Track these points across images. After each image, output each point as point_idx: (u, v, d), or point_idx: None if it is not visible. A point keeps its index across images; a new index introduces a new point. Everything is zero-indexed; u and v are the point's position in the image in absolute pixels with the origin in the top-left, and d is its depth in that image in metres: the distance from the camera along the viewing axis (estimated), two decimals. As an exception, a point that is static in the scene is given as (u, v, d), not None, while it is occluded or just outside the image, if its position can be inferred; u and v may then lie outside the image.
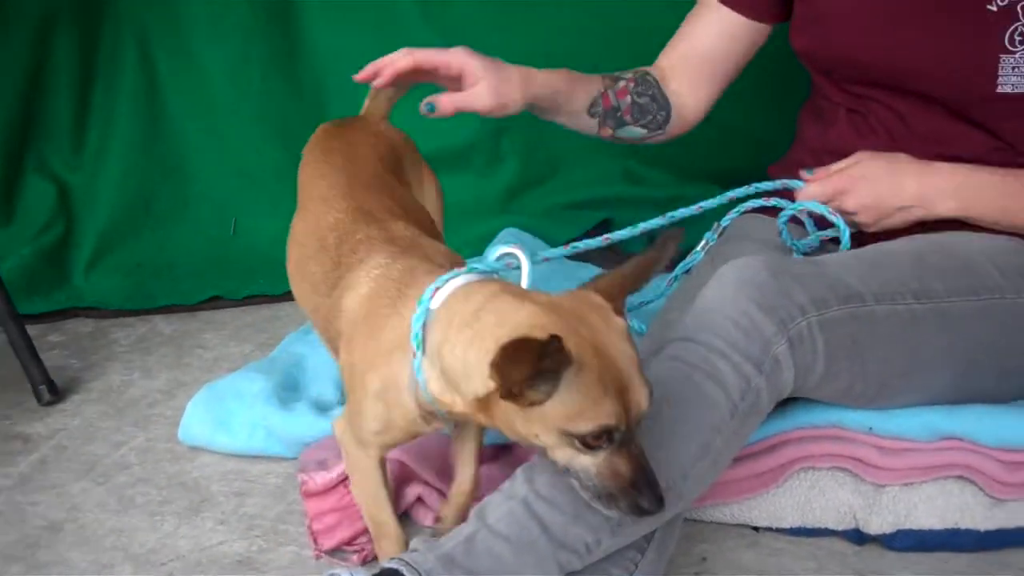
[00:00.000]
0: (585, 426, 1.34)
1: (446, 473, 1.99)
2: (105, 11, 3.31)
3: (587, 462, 1.38)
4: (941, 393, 1.88)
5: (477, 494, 1.79)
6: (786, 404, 1.87)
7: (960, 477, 1.88)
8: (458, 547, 1.50)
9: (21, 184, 3.26)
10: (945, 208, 1.91)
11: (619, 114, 2.14)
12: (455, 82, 1.96)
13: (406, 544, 1.70)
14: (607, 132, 2.15)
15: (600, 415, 1.34)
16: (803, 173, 1.99)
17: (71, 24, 3.30)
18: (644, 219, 3.14)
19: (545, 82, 2.02)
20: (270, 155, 3.28)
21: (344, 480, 1.97)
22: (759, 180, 2.10)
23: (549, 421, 1.35)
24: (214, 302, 3.03)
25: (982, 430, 1.86)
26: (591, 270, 2.99)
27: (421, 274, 1.55)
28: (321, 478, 1.96)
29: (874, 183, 1.90)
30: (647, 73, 2.18)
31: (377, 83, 1.99)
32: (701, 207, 2.03)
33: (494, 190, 3.31)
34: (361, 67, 3.25)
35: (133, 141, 3.27)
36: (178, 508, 2.06)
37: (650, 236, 2.06)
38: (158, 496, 2.10)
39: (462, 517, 1.73)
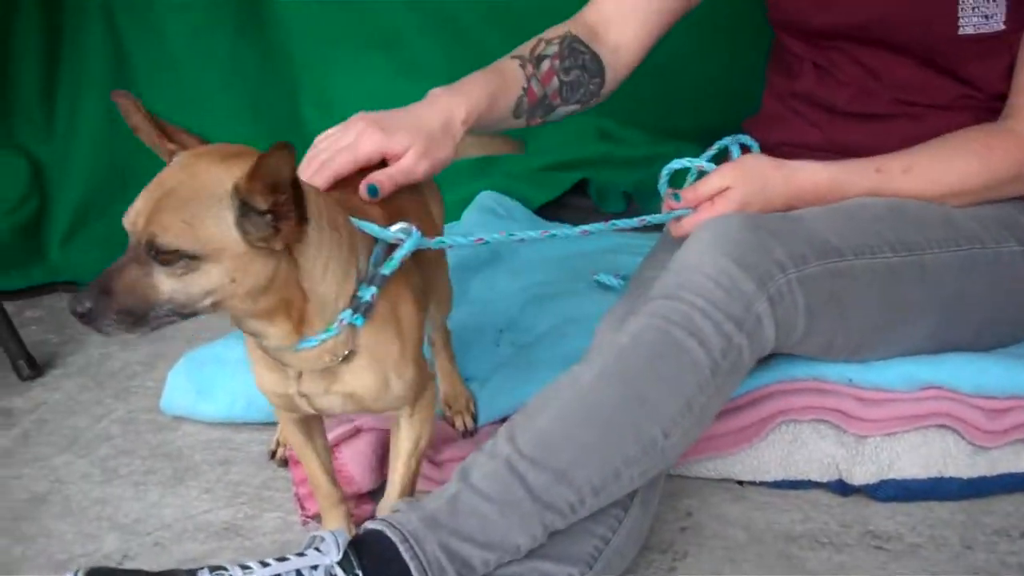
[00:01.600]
0: None
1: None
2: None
3: None
4: (921, 345, 1.89)
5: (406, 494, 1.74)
6: (767, 358, 1.88)
7: (942, 426, 1.89)
8: (442, 508, 1.50)
9: (-7, 159, 3.22)
10: (806, 209, 1.85)
11: (547, 101, 1.95)
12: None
13: (339, 501, 1.78)
14: (536, 122, 1.97)
15: None
16: (670, 200, 1.84)
17: (35, -3, 3.26)
18: (621, 178, 3.19)
19: (468, 115, 1.80)
20: (240, 123, 3.25)
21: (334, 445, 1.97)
22: (735, 133, 2.10)
23: None
24: (193, 272, 3.00)
25: (962, 378, 1.87)
26: (566, 227, 2.99)
27: None
28: None
29: (747, 210, 1.80)
30: (574, 39, 1.98)
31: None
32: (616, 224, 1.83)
33: (469, 154, 3.29)
34: (324, 30, 3.26)
35: (103, 112, 3.23)
36: (162, 478, 2.06)
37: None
38: (142, 466, 2.10)
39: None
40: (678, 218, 1.84)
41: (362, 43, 3.28)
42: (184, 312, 1.35)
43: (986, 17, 1.86)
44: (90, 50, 3.25)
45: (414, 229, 1.56)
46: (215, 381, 2.22)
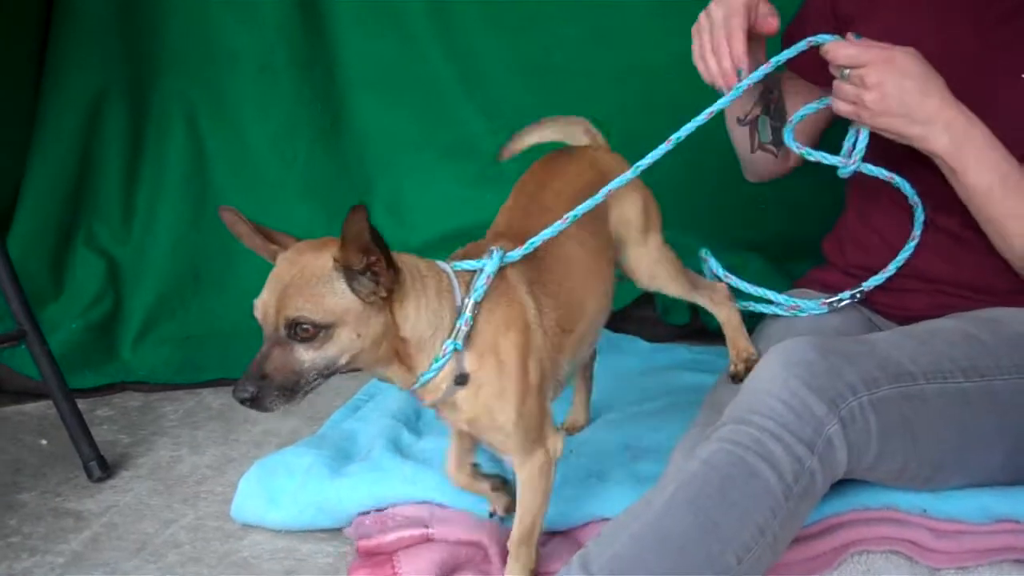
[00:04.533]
0: None
1: (500, 556, 1.99)
2: (153, 88, 3.41)
3: None
4: (995, 475, 1.87)
5: (528, 547, 1.89)
6: (840, 485, 1.86)
7: (1017, 561, 1.86)
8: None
9: (71, 258, 3.33)
10: (938, 142, 1.85)
11: (770, 96, 2.07)
12: None
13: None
14: (753, 112, 2.07)
15: None
16: (850, 36, 1.89)
17: (120, 100, 3.39)
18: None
19: None
20: (315, 228, 3.31)
21: (393, 556, 1.98)
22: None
23: None
24: (261, 375, 3.05)
25: (1037, 512, 1.84)
26: (635, 343, 3.02)
27: None
28: (377, 540, 2.01)
29: (907, 79, 1.82)
30: None
31: None
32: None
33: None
34: (401, 140, 3.36)
35: (181, 215, 3.34)
36: (229, 588, 2.07)
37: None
38: (210, 576, 2.11)
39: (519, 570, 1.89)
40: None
41: (435, 151, 3.37)
42: (326, 374, 1.62)
43: None
44: (171, 154, 3.37)
45: (496, 251, 1.77)
46: (284, 489, 2.23)
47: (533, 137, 2.27)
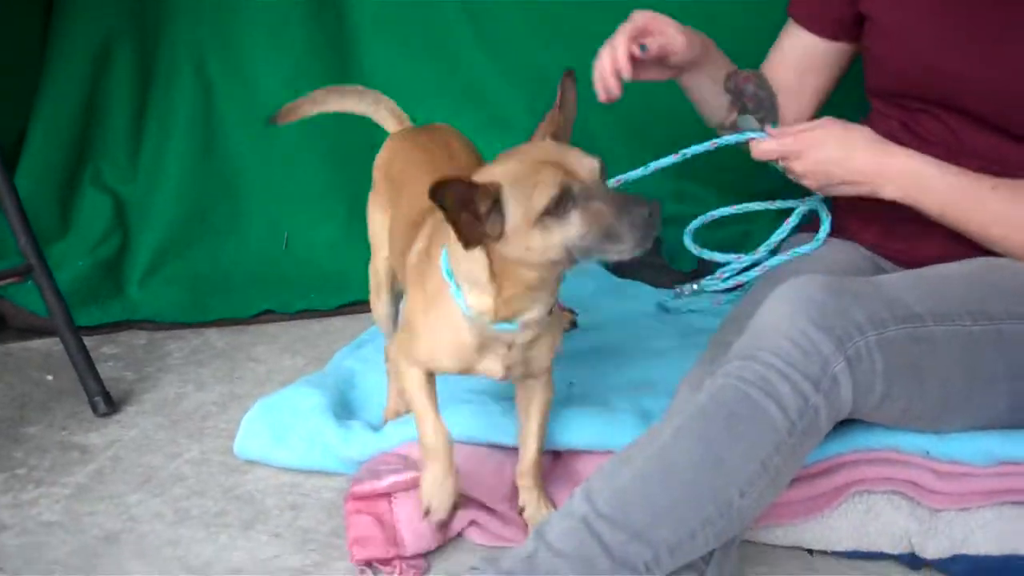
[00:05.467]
0: (541, 201, 1.54)
1: (499, 491, 2.00)
2: (161, 29, 3.41)
3: (571, 228, 1.56)
4: (1000, 418, 1.87)
5: (540, 471, 1.96)
6: (843, 426, 1.87)
7: (1018, 502, 1.86)
8: (518, 566, 1.51)
9: (78, 197, 3.32)
10: (887, 193, 1.93)
11: (743, 99, 2.13)
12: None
13: (445, 435, 1.87)
14: (731, 119, 2.15)
15: (546, 186, 1.54)
16: (768, 128, 2.03)
17: (128, 41, 3.38)
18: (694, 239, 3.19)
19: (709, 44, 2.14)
20: (322, 172, 3.34)
21: (391, 494, 1.99)
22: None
23: (522, 225, 1.57)
24: (266, 315, 3.07)
25: (1040, 455, 1.84)
26: (640, 288, 3.02)
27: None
28: (370, 485, 1.99)
29: (825, 149, 1.92)
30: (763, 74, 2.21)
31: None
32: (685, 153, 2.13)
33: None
34: (412, 86, 3.35)
35: (188, 156, 3.33)
36: (233, 520, 2.08)
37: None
38: (214, 508, 2.12)
39: (535, 490, 1.94)
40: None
41: (445, 98, 3.35)
42: None
43: None
44: (179, 97, 3.36)
45: None
46: (291, 428, 2.24)
47: (329, 105, 2.39)
